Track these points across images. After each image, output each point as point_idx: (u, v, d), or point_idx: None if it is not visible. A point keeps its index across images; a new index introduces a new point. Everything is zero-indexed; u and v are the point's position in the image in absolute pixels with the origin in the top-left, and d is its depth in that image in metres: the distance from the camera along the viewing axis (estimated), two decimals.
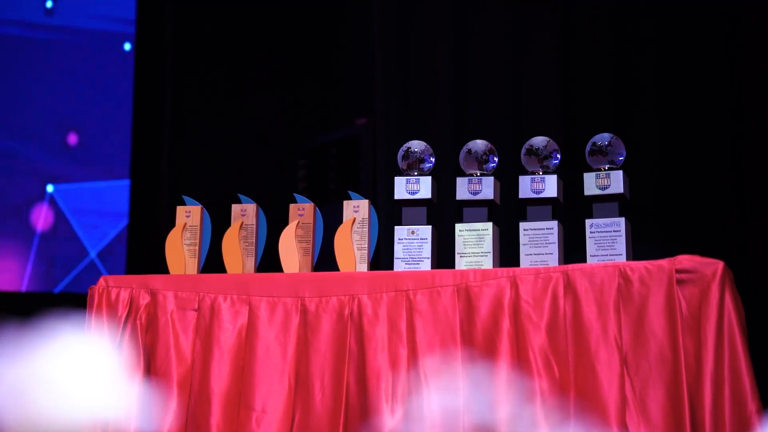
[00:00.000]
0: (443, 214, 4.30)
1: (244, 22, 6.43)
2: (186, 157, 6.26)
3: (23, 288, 6.19)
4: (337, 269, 2.94)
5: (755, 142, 4.38)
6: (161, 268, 5.87)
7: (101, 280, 2.94)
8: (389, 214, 4.30)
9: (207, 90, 6.32)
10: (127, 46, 6.52)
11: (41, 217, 6.28)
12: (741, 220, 4.33)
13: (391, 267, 2.96)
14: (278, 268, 2.99)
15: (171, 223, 5.98)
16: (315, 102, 6.41)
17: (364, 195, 5.43)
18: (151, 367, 2.84)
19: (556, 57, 4.72)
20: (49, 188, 6.32)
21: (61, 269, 6.25)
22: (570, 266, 2.66)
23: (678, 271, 2.56)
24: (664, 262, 2.58)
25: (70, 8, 6.54)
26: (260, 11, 6.45)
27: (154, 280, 2.93)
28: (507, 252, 2.98)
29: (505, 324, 2.65)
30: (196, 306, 2.87)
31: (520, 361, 2.62)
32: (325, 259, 3.07)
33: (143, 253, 6.18)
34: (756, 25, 4.44)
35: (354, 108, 6.01)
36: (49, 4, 6.51)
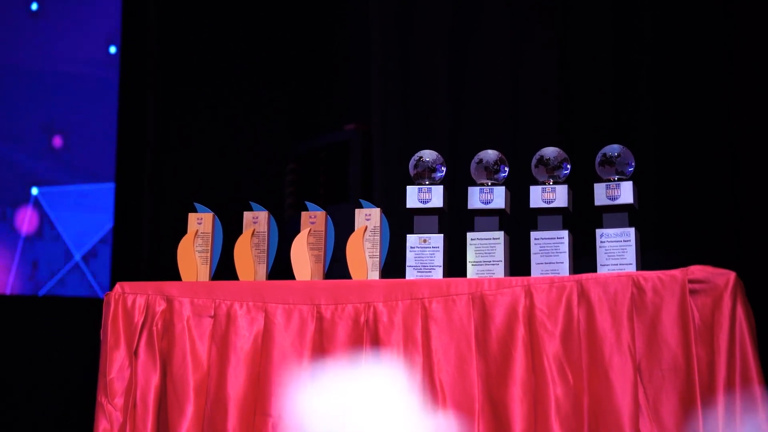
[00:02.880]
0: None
1: (232, 24, 6.43)
2: (171, 160, 6.26)
3: (8, 291, 6.16)
4: (348, 276, 2.97)
5: (754, 148, 4.45)
6: (146, 270, 5.88)
7: (117, 287, 2.96)
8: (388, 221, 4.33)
9: (193, 93, 6.32)
10: (113, 49, 6.51)
11: (26, 220, 6.26)
12: (740, 226, 4.40)
13: (394, 274, 3.00)
14: (287, 275, 3.02)
15: (155, 227, 6.01)
16: (304, 107, 6.43)
17: (355, 201, 5.49)
18: (168, 373, 2.86)
19: (554, 63, 4.77)
20: (34, 191, 6.30)
21: (45, 272, 6.23)
22: (584, 276, 2.71)
23: (691, 281, 2.61)
24: (677, 272, 2.63)
25: (55, 10, 6.52)
26: (249, 13, 6.46)
27: (170, 286, 2.94)
28: (516, 260, 3.02)
29: (520, 332, 2.69)
30: (212, 313, 2.89)
31: (535, 368, 2.66)
32: (335, 266, 3.10)
33: (128, 256, 6.17)
34: (753, 31, 4.50)
35: (344, 113, 6.04)
36: (34, 7, 6.49)
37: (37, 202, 6.28)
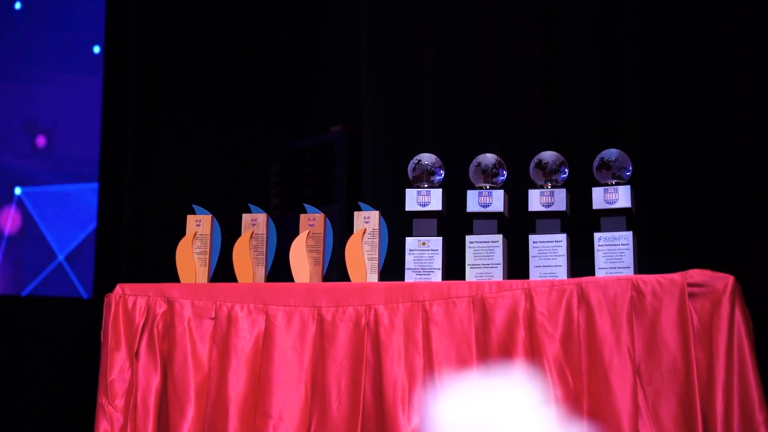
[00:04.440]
0: None
1: (216, 23, 6.43)
2: (155, 160, 6.25)
3: None
4: (346, 279, 2.99)
5: (750, 147, 4.48)
6: (129, 270, 5.87)
7: (117, 288, 2.96)
8: None
9: (178, 93, 6.31)
10: (97, 49, 6.49)
11: (9, 220, 6.23)
12: (736, 229, 4.43)
13: (392, 276, 3.02)
14: (285, 277, 3.03)
15: (139, 228, 6.00)
16: (290, 108, 6.43)
17: (339, 202, 5.50)
18: (169, 374, 2.87)
19: (539, 66, 4.80)
20: (17, 191, 6.28)
21: (28, 272, 6.21)
22: (584, 279, 2.73)
23: (690, 285, 2.64)
24: (676, 276, 2.66)
25: (39, 10, 6.50)
26: (235, 13, 6.45)
27: (171, 288, 2.95)
28: (513, 263, 3.04)
29: (520, 334, 2.71)
30: (213, 314, 2.90)
31: (535, 370, 2.68)
32: (332, 268, 3.12)
33: (112, 257, 6.16)
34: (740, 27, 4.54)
35: (330, 115, 6.05)
36: (17, 6, 6.46)
37: (20, 202, 6.26)
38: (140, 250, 6.07)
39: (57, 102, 6.41)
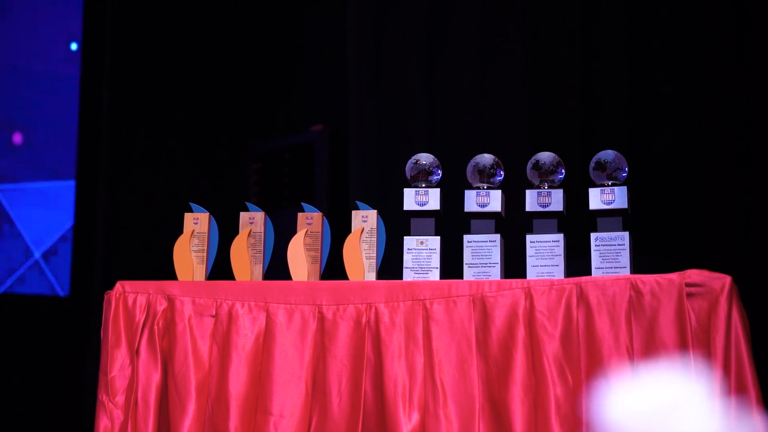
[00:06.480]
0: None
1: (195, 20, 6.40)
2: (131, 158, 6.23)
3: None
4: (344, 277, 3.00)
5: (747, 148, 4.52)
6: (105, 269, 5.84)
7: (118, 285, 2.96)
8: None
9: (156, 90, 6.28)
10: (74, 46, 6.46)
11: None
12: (732, 229, 4.47)
13: (390, 275, 3.04)
14: (280, 275, 3.05)
15: (114, 225, 5.97)
16: (270, 106, 6.43)
17: (318, 202, 5.51)
18: (169, 371, 2.88)
19: (528, 64, 4.83)
20: None
21: (4, 270, 6.17)
22: (583, 278, 2.77)
23: (688, 285, 2.67)
24: (674, 276, 2.70)
25: (16, 5, 6.46)
26: (213, 9, 6.43)
27: (171, 286, 2.95)
28: (508, 262, 3.07)
29: (520, 333, 2.74)
30: (214, 312, 2.91)
31: (535, 369, 2.71)
32: (330, 267, 3.13)
33: (88, 255, 6.13)
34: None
35: (313, 113, 6.06)
36: None
37: None
38: (117, 248, 6.05)
39: (34, 99, 6.37)
